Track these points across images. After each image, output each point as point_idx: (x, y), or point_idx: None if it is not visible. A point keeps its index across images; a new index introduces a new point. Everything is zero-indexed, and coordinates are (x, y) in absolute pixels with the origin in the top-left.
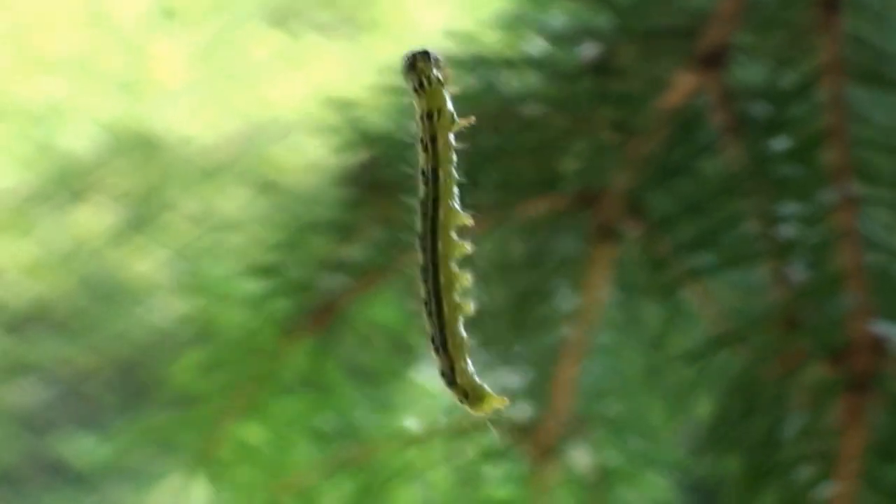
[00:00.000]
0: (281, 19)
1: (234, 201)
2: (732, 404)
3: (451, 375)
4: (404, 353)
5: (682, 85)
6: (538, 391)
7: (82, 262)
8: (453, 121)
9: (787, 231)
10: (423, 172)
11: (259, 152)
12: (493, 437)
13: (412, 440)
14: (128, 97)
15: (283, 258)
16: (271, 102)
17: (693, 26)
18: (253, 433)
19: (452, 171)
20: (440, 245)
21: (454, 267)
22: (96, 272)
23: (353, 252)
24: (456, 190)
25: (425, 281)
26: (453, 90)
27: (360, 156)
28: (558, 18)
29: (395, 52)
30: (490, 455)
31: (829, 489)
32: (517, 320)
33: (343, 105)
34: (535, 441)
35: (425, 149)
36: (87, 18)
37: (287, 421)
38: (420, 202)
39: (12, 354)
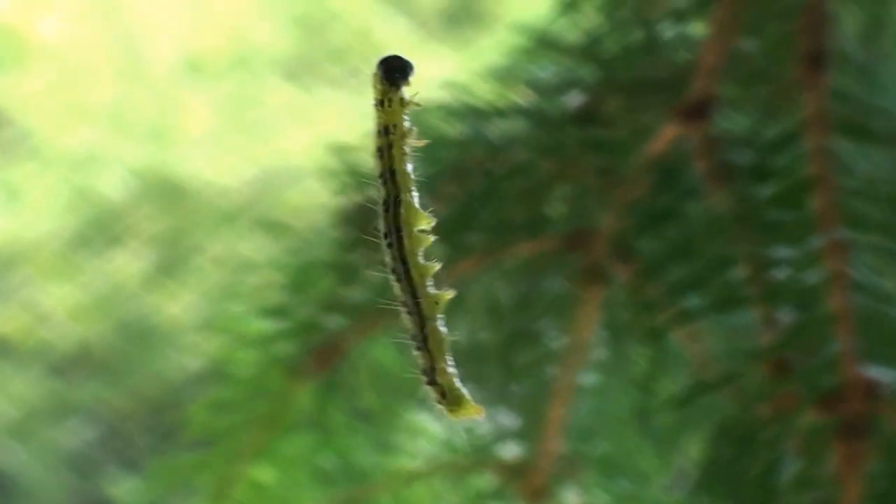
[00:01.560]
0: (295, 73)
1: (252, 243)
2: (723, 448)
3: (431, 374)
4: (403, 394)
5: (666, 134)
6: (529, 432)
7: (119, 306)
8: (410, 133)
9: (777, 275)
10: (381, 175)
11: (274, 196)
12: (488, 477)
13: (409, 479)
14: (157, 144)
15: (290, 299)
16: (284, 151)
17: (677, 79)
18: (264, 474)
19: (408, 171)
20: (406, 242)
21: (422, 260)
22: (132, 315)
23: (353, 293)
24: (415, 190)
25: (398, 280)
26: (413, 107)
27: (357, 198)
28: (546, 70)
29: None
30: (484, 496)
31: None
32: (507, 362)
33: (341, 149)
34: (527, 482)
35: (381, 156)
36: (122, 69)
37: (293, 461)
38: (382, 202)
39: (58, 396)
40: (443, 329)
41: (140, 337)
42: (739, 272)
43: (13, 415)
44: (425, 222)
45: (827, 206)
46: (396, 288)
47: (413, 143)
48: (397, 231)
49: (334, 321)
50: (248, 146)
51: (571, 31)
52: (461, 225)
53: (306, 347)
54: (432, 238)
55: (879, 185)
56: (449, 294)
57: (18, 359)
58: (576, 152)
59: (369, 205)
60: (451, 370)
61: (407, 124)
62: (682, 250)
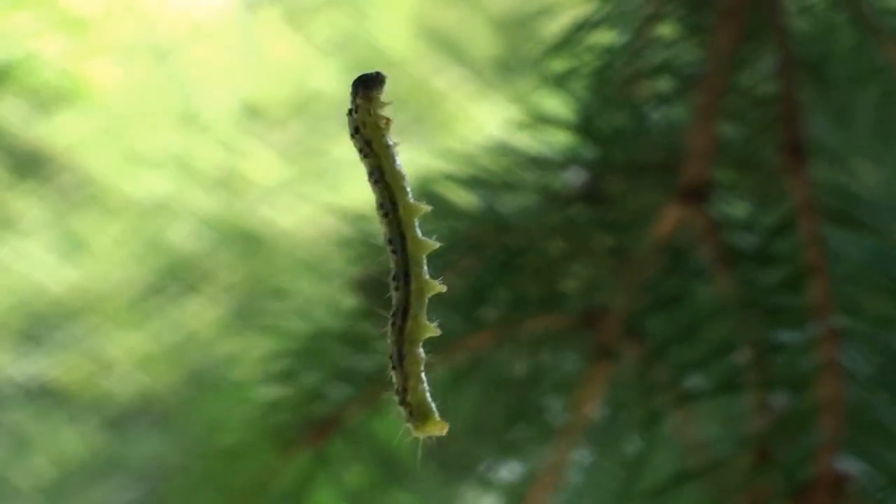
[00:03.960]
0: None
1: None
2: None
3: (402, 393)
4: (397, 472)
5: (669, 216)
6: None
7: (191, 354)
8: (390, 152)
9: (776, 360)
10: (372, 174)
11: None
12: None
13: None
14: (225, 193)
15: (298, 366)
16: (354, 199)
17: (670, 161)
18: None
19: (397, 169)
20: (409, 246)
21: (426, 273)
22: (204, 365)
23: (362, 362)
24: (407, 185)
25: (396, 289)
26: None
27: (371, 267)
28: (547, 146)
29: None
30: None
31: None
32: (506, 438)
33: (357, 218)
34: None
35: (366, 154)
36: (178, 115)
37: None
38: (378, 206)
39: (108, 452)
40: (420, 351)
41: (210, 386)
42: (741, 356)
43: (54, 473)
44: (422, 210)
45: (822, 295)
46: (393, 298)
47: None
48: (402, 238)
49: (340, 391)
50: (319, 193)
51: (564, 108)
52: (476, 298)
53: (306, 418)
54: (435, 244)
55: (870, 273)
56: (433, 329)
57: (75, 410)
58: (586, 230)
59: (382, 276)
60: (423, 388)
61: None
62: (689, 332)
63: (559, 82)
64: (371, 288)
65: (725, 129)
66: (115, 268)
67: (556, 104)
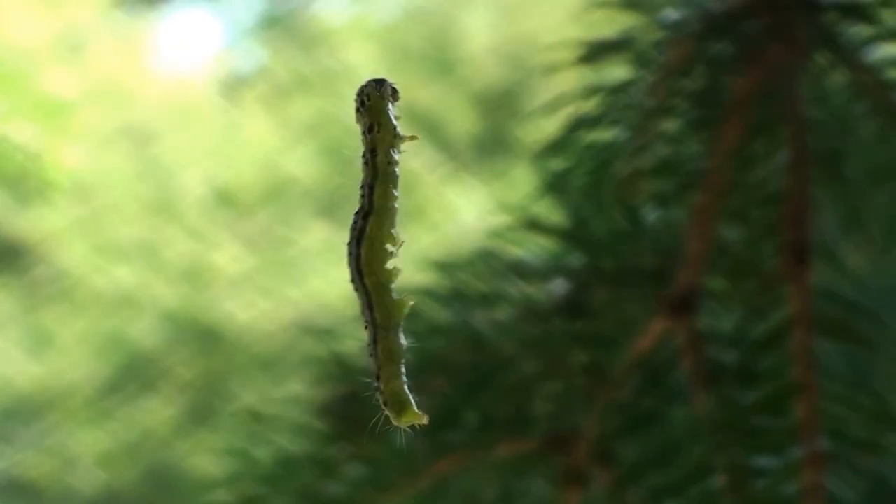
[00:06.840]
0: (328, 208)
1: (286, 390)
2: None
3: (377, 381)
4: None
5: (653, 329)
6: None
7: (148, 453)
8: (395, 135)
9: (756, 485)
10: (362, 186)
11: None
12: None
13: None
14: (191, 284)
15: (265, 492)
16: (319, 292)
17: (663, 268)
18: None
19: (391, 189)
20: (367, 255)
21: (388, 266)
22: (160, 463)
23: (331, 489)
24: (395, 205)
25: (357, 290)
26: (397, 112)
27: (341, 388)
28: (532, 254)
29: (436, 244)
30: None
31: None
32: None
33: (324, 335)
34: None
35: (366, 163)
36: (152, 202)
37: None
38: (354, 213)
39: None
40: (398, 338)
41: (166, 486)
42: (718, 482)
43: None
44: (393, 241)
45: (809, 415)
46: (359, 299)
47: (403, 137)
48: (358, 242)
49: None
50: (282, 287)
51: (556, 212)
52: (446, 421)
53: None
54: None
55: (861, 392)
56: (410, 301)
57: None
58: (562, 347)
59: (351, 395)
60: (399, 378)
61: (393, 122)
62: (663, 456)
63: (554, 185)
64: (340, 410)
65: (725, 232)
66: (78, 364)
67: (547, 208)
